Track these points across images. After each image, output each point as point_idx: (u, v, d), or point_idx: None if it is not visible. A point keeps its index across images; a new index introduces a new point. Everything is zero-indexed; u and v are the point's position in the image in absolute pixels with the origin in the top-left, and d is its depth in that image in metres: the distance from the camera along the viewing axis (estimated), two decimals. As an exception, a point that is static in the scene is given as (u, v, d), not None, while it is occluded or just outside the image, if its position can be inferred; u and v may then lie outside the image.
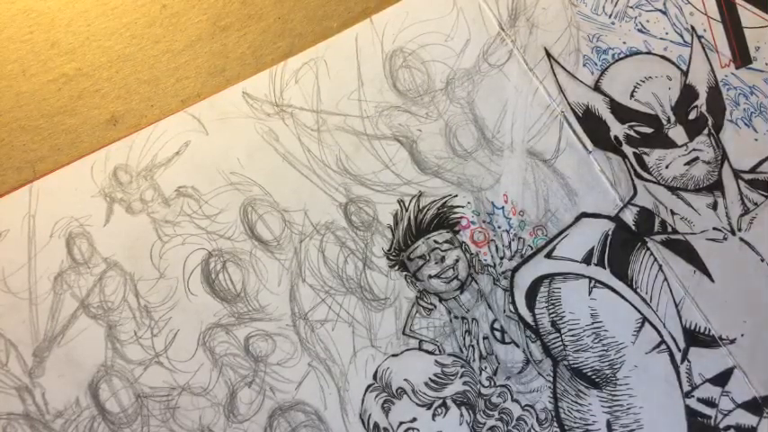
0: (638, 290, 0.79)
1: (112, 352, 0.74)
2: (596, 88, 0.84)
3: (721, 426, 0.77)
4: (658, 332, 0.78)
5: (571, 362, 0.78)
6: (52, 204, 0.76)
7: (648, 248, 0.81)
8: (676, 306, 0.79)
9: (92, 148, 0.78)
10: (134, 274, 0.75)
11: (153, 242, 0.76)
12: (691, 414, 0.77)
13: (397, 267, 0.79)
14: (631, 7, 0.85)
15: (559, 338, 0.78)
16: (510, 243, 0.80)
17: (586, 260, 0.80)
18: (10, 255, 0.74)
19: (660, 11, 0.86)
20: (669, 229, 0.81)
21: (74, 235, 0.75)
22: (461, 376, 0.76)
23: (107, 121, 0.79)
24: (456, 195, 0.81)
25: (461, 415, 0.75)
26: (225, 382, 0.74)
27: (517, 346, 0.78)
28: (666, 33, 0.85)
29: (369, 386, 0.75)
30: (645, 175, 0.82)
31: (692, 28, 0.86)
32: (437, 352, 0.77)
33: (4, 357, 0.73)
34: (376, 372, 0.76)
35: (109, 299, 0.75)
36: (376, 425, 0.74)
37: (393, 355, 0.76)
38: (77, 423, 0.72)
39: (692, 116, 0.83)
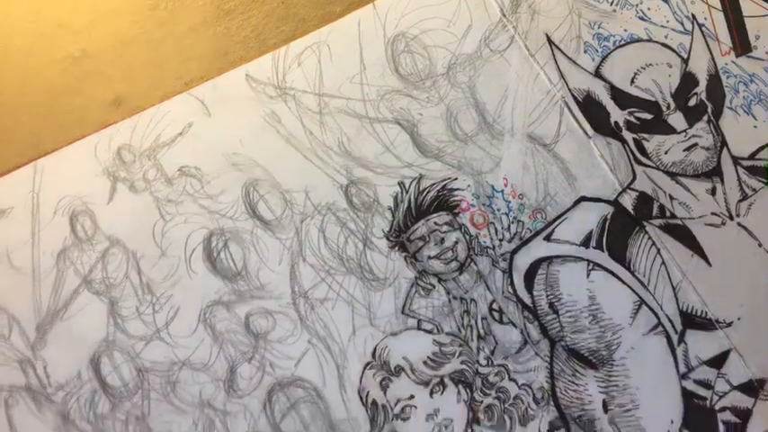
0: (636, 273, 0.79)
1: (114, 327, 0.74)
2: (597, 74, 0.84)
3: (717, 407, 0.78)
4: (655, 314, 0.78)
5: (568, 342, 0.78)
6: (56, 182, 0.77)
7: (647, 233, 0.81)
8: (674, 289, 0.80)
9: (96, 128, 0.79)
10: (136, 251, 0.76)
11: (155, 220, 0.77)
12: (686, 395, 0.78)
13: (396, 248, 0.79)
14: (632, -6, 0.86)
15: (557, 319, 0.78)
16: (509, 226, 0.81)
17: (585, 243, 0.80)
18: (14, 231, 0.75)
19: (661, -2, 0.86)
20: (668, 214, 0.82)
21: (77, 212, 0.76)
22: (459, 355, 0.77)
23: (111, 102, 0.80)
24: (456, 178, 0.81)
25: (459, 393, 0.76)
26: (225, 357, 0.75)
27: (515, 326, 0.79)
28: (667, 21, 0.86)
29: (367, 364, 0.76)
30: (644, 160, 0.83)
31: (693, 16, 0.86)
32: (435, 331, 0.78)
33: (6, 331, 0.73)
34: (375, 350, 0.76)
35: (111, 275, 0.75)
36: (374, 402, 0.75)
37: (392, 334, 0.77)
38: (78, 396, 0.73)
39: (691, 103, 0.84)
